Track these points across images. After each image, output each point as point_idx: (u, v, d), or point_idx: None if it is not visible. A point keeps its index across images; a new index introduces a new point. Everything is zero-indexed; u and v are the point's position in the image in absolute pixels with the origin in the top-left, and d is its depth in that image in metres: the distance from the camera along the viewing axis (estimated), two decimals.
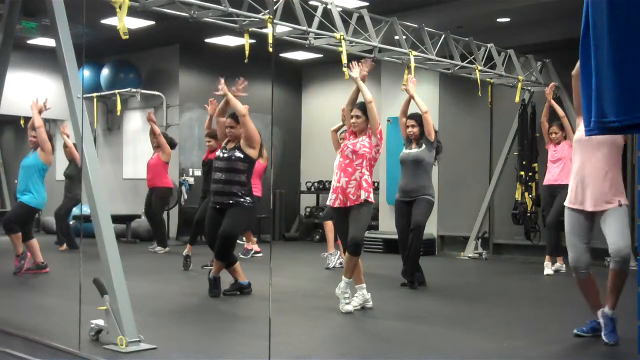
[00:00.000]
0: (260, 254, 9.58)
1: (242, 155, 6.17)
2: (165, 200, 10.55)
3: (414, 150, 7.01)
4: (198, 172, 12.67)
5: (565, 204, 4.69)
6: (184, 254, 8.29)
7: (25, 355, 4.02)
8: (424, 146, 6.98)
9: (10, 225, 7.63)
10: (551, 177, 8.62)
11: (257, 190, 8.50)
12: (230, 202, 6.13)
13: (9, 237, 7.64)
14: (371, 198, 5.61)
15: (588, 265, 4.60)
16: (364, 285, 5.70)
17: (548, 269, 8.40)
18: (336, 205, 5.66)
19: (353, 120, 5.78)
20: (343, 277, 5.60)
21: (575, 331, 4.71)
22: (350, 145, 5.69)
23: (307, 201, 13.80)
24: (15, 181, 15.29)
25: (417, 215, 6.85)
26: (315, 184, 13.44)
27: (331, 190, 5.75)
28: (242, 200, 6.15)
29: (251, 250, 9.61)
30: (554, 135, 8.64)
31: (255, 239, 10.00)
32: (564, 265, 8.51)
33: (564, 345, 4.58)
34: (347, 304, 5.55)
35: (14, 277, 7.48)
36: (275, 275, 6.12)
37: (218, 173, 6.22)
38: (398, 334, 4.94)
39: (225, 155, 6.21)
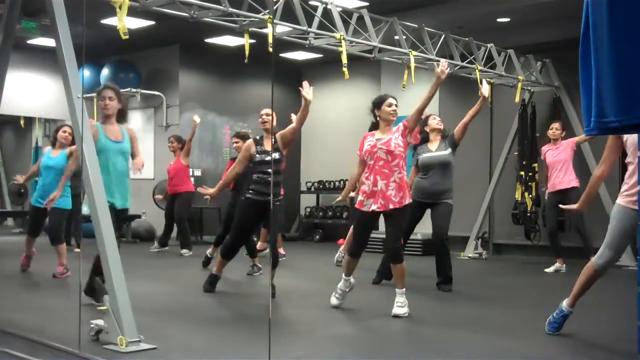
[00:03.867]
0: (284, 257, 9.44)
1: (280, 158, 6.21)
2: (189, 204, 10.33)
3: (440, 153, 6.91)
4: (198, 173, 12.66)
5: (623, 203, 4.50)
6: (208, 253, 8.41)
7: (25, 355, 4.02)
8: (449, 149, 6.92)
9: (58, 236, 7.47)
10: (558, 182, 8.49)
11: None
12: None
13: (56, 248, 7.44)
14: (409, 199, 5.54)
15: None
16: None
17: (563, 269, 8.47)
18: (373, 209, 5.41)
19: (394, 108, 5.63)
20: (343, 275, 5.65)
21: (548, 330, 4.73)
22: (382, 145, 5.45)
23: (307, 201, 13.80)
24: (14, 180, 15.33)
25: (441, 227, 6.77)
26: (315, 184, 13.44)
27: (362, 195, 5.48)
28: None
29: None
30: (555, 131, 8.57)
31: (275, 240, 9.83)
32: (564, 266, 8.52)
33: (563, 345, 4.58)
34: (337, 298, 5.71)
35: (14, 278, 7.48)
36: (275, 275, 6.12)
37: (265, 174, 6.17)
38: (398, 334, 4.94)
39: (268, 158, 6.16)
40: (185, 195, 10.11)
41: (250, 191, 6.19)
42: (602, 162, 4.64)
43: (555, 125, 8.66)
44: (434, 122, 7.05)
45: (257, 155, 6.23)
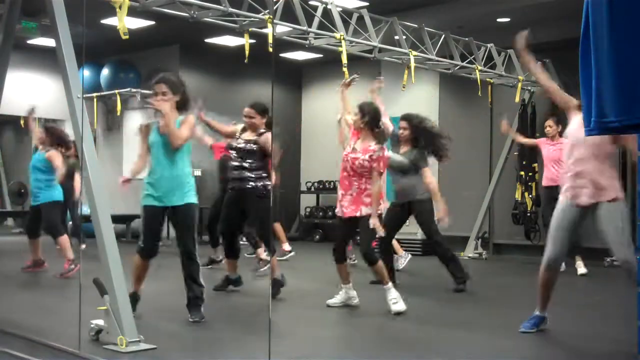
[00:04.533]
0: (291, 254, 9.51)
1: (254, 149, 6.18)
2: None
3: (402, 158, 6.79)
4: (198, 172, 12.65)
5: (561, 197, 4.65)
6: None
7: (25, 355, 4.02)
8: (417, 155, 6.77)
9: (56, 229, 7.51)
10: (551, 177, 8.49)
11: None
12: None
13: (59, 242, 7.48)
14: (380, 210, 5.52)
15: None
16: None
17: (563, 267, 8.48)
18: (339, 214, 5.70)
19: (352, 117, 5.70)
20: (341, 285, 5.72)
21: (521, 329, 4.78)
22: (349, 158, 5.58)
23: (307, 201, 13.80)
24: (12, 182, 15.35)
25: (428, 229, 6.79)
26: (315, 184, 13.44)
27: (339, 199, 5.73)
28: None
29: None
30: (548, 129, 8.55)
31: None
32: (563, 264, 8.52)
33: (563, 345, 4.58)
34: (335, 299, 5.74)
35: (14, 278, 7.48)
36: (275, 272, 6.13)
37: (235, 160, 6.22)
38: (398, 334, 4.94)
39: (240, 145, 6.20)
40: None
41: (229, 183, 6.30)
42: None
43: (549, 122, 8.61)
44: (399, 131, 6.87)
45: (233, 141, 6.28)
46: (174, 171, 4.94)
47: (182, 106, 5.06)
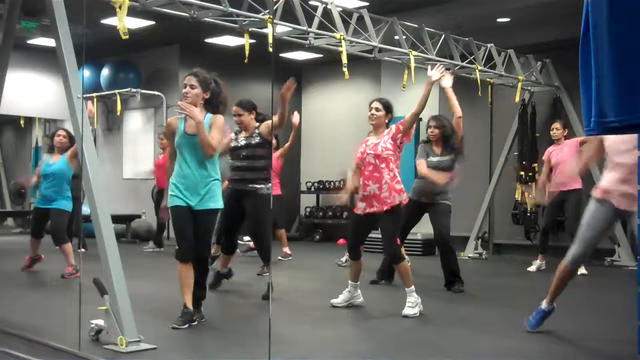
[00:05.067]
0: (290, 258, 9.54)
1: (260, 141, 6.11)
2: None
3: (444, 157, 6.87)
4: None
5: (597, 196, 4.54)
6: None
7: (25, 355, 4.02)
8: (452, 155, 6.88)
9: (61, 236, 7.47)
10: (562, 182, 8.26)
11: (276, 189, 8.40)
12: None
13: (62, 248, 7.45)
14: (405, 199, 5.51)
15: None
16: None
17: (543, 266, 8.53)
18: (367, 211, 5.48)
19: (372, 112, 5.59)
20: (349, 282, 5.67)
21: (528, 327, 4.80)
22: (370, 150, 5.49)
23: (307, 201, 13.80)
24: (12, 181, 15.35)
25: (443, 226, 6.79)
26: (315, 184, 13.44)
27: (359, 199, 5.59)
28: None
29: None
30: (555, 131, 8.52)
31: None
32: (543, 262, 8.58)
33: (563, 345, 4.58)
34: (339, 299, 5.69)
35: (14, 277, 7.48)
36: (275, 275, 6.13)
37: (237, 159, 6.15)
38: (398, 334, 4.94)
39: (242, 143, 6.14)
40: None
41: (231, 180, 6.22)
42: (585, 158, 4.76)
43: (556, 125, 8.62)
44: (428, 130, 7.01)
45: (232, 142, 6.17)
46: (200, 174, 4.77)
47: (210, 104, 4.89)
